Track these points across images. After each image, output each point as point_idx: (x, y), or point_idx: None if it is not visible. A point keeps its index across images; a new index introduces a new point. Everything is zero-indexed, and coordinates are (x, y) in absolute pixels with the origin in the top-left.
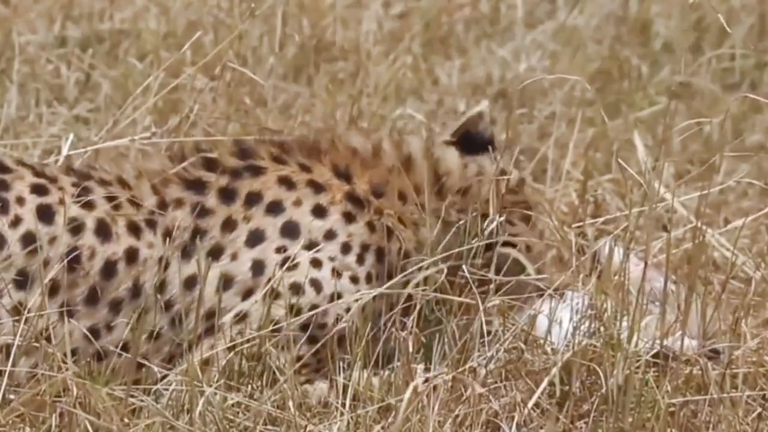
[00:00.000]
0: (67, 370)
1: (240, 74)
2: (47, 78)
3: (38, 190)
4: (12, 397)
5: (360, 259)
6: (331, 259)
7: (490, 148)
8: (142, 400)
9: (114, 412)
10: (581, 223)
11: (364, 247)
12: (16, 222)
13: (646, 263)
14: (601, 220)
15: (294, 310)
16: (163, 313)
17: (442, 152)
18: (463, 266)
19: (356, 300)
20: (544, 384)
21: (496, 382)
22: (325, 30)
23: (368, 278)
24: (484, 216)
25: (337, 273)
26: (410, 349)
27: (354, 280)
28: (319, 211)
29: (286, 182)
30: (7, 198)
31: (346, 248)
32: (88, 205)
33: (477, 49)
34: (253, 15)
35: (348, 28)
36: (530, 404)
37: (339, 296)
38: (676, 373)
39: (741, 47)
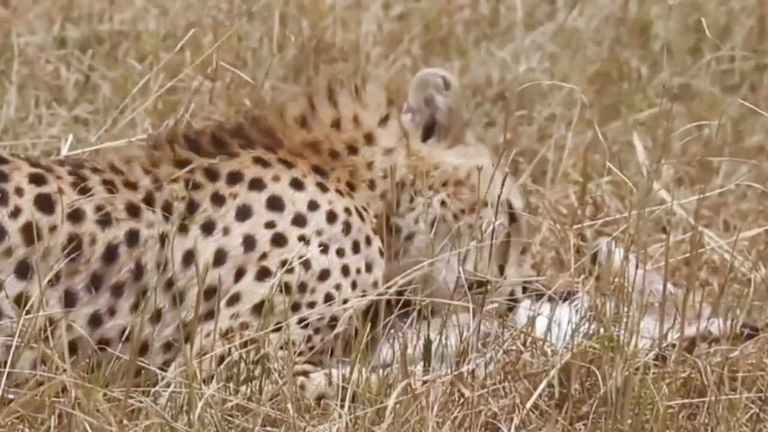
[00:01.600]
0: (65, 371)
1: (239, 75)
2: (46, 79)
3: (36, 179)
4: (11, 397)
5: (346, 228)
6: (318, 233)
7: None
8: (140, 401)
9: (112, 414)
10: (580, 225)
11: (347, 211)
12: (15, 213)
13: (645, 265)
14: (600, 221)
15: (285, 288)
16: (165, 292)
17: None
18: (460, 269)
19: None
20: (543, 385)
21: (494, 384)
22: (324, 31)
23: (355, 247)
24: None
25: (324, 247)
26: (408, 350)
27: (339, 253)
28: (297, 184)
29: (261, 162)
30: (6, 189)
31: (330, 217)
32: (87, 192)
33: (476, 51)
34: (250, 15)
35: (348, 29)
36: (529, 405)
37: (327, 273)
38: (675, 375)
39: (741, 49)
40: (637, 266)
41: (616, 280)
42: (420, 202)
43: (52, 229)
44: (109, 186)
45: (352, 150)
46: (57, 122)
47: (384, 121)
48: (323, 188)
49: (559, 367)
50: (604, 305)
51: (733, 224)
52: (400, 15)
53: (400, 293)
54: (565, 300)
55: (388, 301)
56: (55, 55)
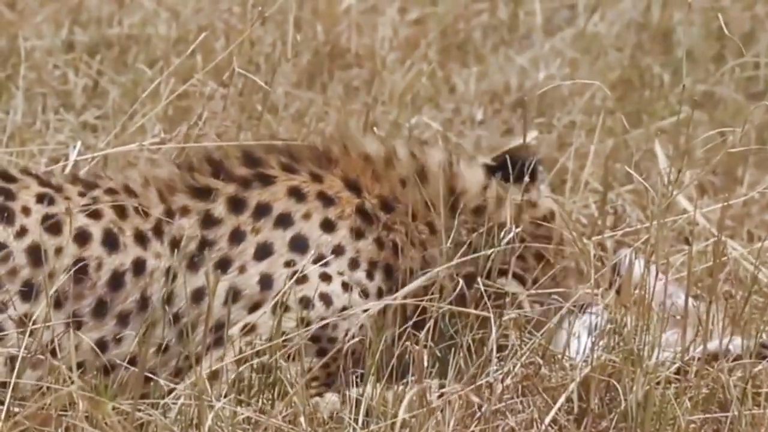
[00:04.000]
0: (73, 383)
1: (252, 81)
2: (54, 84)
3: (44, 199)
4: (17, 410)
5: (369, 275)
6: (340, 273)
7: (526, 179)
8: (149, 415)
9: (121, 427)
10: (601, 235)
11: (372, 264)
12: (21, 233)
13: (666, 277)
14: (621, 231)
15: (304, 323)
16: (171, 326)
17: (463, 169)
18: (478, 279)
19: (366, 311)
20: (562, 400)
21: (512, 398)
22: (339, 36)
23: (379, 294)
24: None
25: (347, 287)
26: (424, 364)
27: (364, 293)
28: (328, 226)
29: (296, 194)
30: (12, 208)
31: (353, 264)
32: (95, 215)
33: (495, 57)
34: (263, 20)
35: (363, 34)
36: (547, 421)
37: (347, 310)
38: (697, 390)
39: (765, 56)
40: (658, 277)
41: (637, 291)
42: None
43: (58, 251)
44: (120, 210)
45: (412, 215)
46: (65, 128)
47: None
48: (358, 234)
49: (578, 381)
50: (625, 318)
51: (758, 235)
52: (416, 20)
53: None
54: (583, 312)
55: (404, 313)
56: (63, 60)
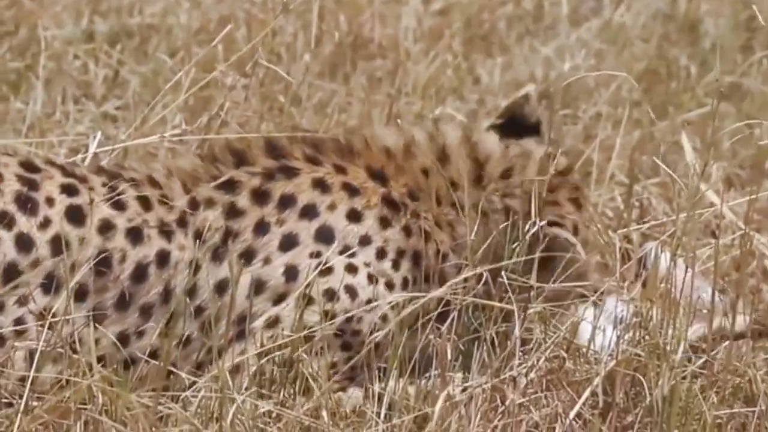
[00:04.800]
0: (92, 376)
1: (274, 71)
2: (74, 74)
3: (68, 190)
4: (35, 404)
5: (395, 265)
6: (366, 264)
7: (537, 131)
8: (170, 408)
9: (141, 420)
10: (627, 228)
11: (400, 253)
12: (45, 224)
13: (692, 271)
14: (647, 225)
15: (329, 316)
16: (194, 318)
17: (481, 136)
18: (503, 273)
19: (391, 305)
20: (587, 394)
21: (536, 392)
22: (362, 26)
23: (404, 284)
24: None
25: (372, 279)
26: (448, 357)
27: (389, 285)
28: (354, 216)
29: (321, 185)
30: (36, 198)
31: (381, 254)
32: (119, 206)
33: (519, 47)
34: (287, 10)
35: (386, 24)
36: (572, 415)
37: (371, 302)
38: (723, 384)
39: None
40: (685, 271)
41: (663, 285)
42: None
43: (82, 242)
44: (145, 201)
45: (437, 199)
46: (85, 119)
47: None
48: (385, 223)
49: (603, 375)
50: (650, 311)
51: None
52: (440, 10)
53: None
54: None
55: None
56: (83, 50)
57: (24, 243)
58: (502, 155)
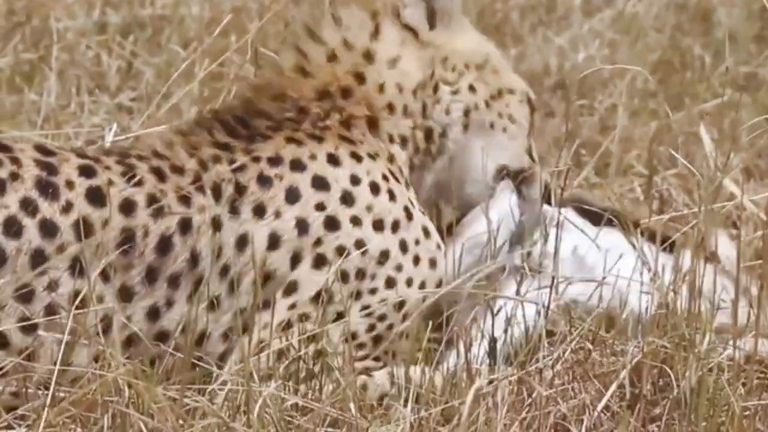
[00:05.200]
0: (119, 367)
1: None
2: (87, 65)
3: (86, 171)
4: (62, 395)
5: (391, 196)
6: (369, 209)
7: None
8: (196, 401)
9: (169, 413)
10: (647, 219)
11: (385, 178)
12: (67, 208)
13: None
14: (667, 216)
15: (340, 277)
16: (221, 279)
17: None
18: (524, 264)
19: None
20: (614, 387)
21: (563, 384)
22: None
23: (408, 214)
24: None
25: (379, 225)
26: (473, 349)
27: (395, 227)
28: (333, 160)
29: (293, 141)
30: (56, 182)
31: (374, 188)
32: (138, 182)
33: (533, 38)
34: (298, 2)
35: None
36: (600, 407)
37: (386, 254)
38: (751, 376)
39: None
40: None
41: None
42: (446, 90)
43: (105, 223)
44: (158, 173)
45: (359, 78)
46: (100, 110)
47: (375, 33)
48: (357, 158)
49: (630, 367)
50: (676, 302)
51: None
52: None
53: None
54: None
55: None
56: (96, 41)
57: (48, 229)
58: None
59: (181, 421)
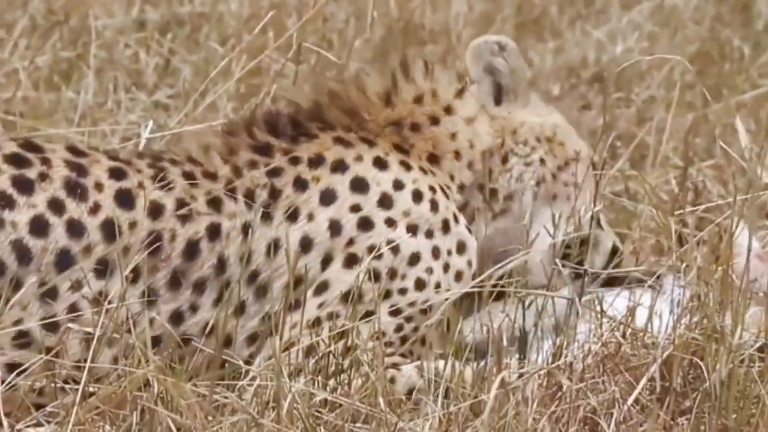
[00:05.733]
0: (148, 362)
1: (325, 58)
2: (125, 63)
3: (116, 174)
4: (92, 390)
5: (433, 206)
6: (406, 214)
7: None
8: (226, 397)
9: (197, 409)
10: (682, 211)
11: (431, 189)
12: (95, 209)
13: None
14: (702, 207)
15: (373, 276)
16: (248, 284)
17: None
18: (556, 260)
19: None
20: (645, 380)
21: (593, 377)
22: (413, 12)
23: (444, 227)
24: None
25: (414, 229)
26: (503, 342)
27: (429, 234)
28: (380, 163)
29: (341, 142)
30: (85, 184)
31: (417, 196)
32: (167, 187)
33: (571, 31)
34: None
35: (437, 9)
36: (630, 401)
37: (417, 257)
38: None
39: None
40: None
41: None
42: (515, 161)
43: (132, 225)
44: (189, 178)
45: (434, 121)
46: (136, 107)
47: (459, 93)
48: (407, 166)
49: (660, 360)
50: (707, 295)
51: None
52: None
53: (494, 284)
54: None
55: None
56: (134, 38)
57: (75, 229)
58: (449, 87)
59: (209, 418)
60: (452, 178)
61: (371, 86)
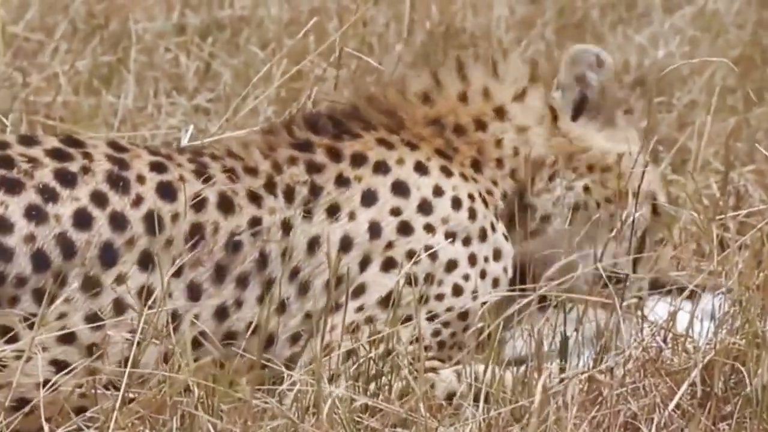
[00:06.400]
0: (189, 367)
1: (366, 62)
2: (165, 67)
3: (157, 167)
4: (132, 395)
5: (472, 214)
6: (444, 220)
7: None
8: (266, 402)
9: (237, 414)
10: (723, 216)
11: (470, 197)
12: (137, 201)
13: None
14: (743, 212)
15: (412, 281)
16: (290, 281)
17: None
18: (598, 264)
19: (475, 295)
20: (686, 385)
21: (634, 382)
22: (454, 16)
23: (482, 235)
24: None
25: (452, 236)
26: (544, 348)
27: (466, 241)
28: (421, 168)
29: (384, 143)
30: (127, 177)
31: (456, 203)
32: (209, 180)
33: (613, 35)
34: (378, 2)
35: (478, 13)
36: (671, 406)
37: (454, 263)
38: None
39: None
40: None
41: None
42: (560, 183)
43: (175, 218)
44: (230, 173)
45: (480, 125)
46: (176, 112)
47: (520, 96)
48: (447, 172)
49: (701, 364)
50: (749, 300)
51: None
52: None
53: (534, 288)
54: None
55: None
56: (175, 43)
57: (118, 222)
58: (518, 77)
59: (250, 423)
60: (495, 183)
61: (411, 86)
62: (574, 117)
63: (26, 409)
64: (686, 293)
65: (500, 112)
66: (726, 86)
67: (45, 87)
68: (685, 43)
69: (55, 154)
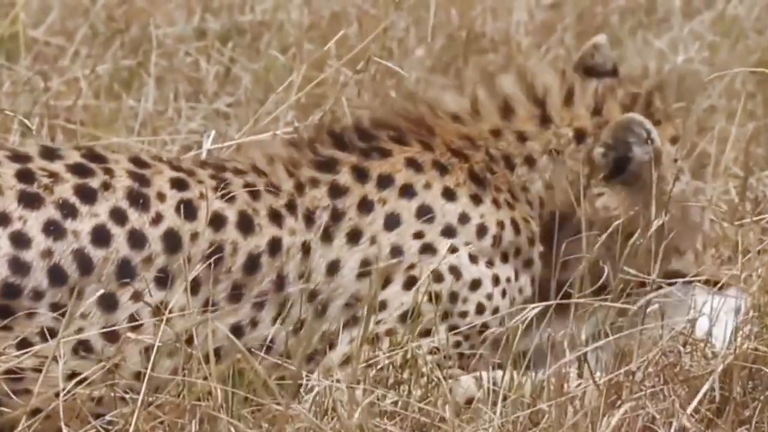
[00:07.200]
0: (209, 371)
1: (386, 67)
2: (186, 72)
3: (178, 184)
4: (151, 399)
5: (496, 241)
6: (467, 244)
7: (615, 74)
8: (290, 407)
9: (262, 418)
10: (742, 221)
11: (499, 225)
12: (157, 219)
13: None
14: (763, 218)
15: (434, 298)
16: (308, 303)
17: (534, 70)
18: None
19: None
20: (704, 389)
21: (653, 387)
22: (474, 21)
23: (504, 258)
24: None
25: (474, 259)
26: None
27: (490, 264)
28: (449, 194)
29: (414, 164)
30: (147, 194)
31: (481, 231)
32: (229, 198)
33: (633, 40)
34: (397, 5)
35: (498, 18)
36: (689, 410)
37: (478, 283)
38: None
39: None
40: None
41: None
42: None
43: (194, 236)
44: (252, 190)
45: (508, 163)
46: (197, 116)
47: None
48: (477, 200)
49: (720, 369)
50: None
51: None
52: (552, 3)
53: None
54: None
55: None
56: (195, 47)
57: (137, 239)
58: (560, 82)
59: (270, 426)
60: (532, 206)
61: (447, 105)
62: (608, 177)
63: (43, 414)
64: (713, 287)
65: (530, 161)
66: (745, 91)
67: (65, 91)
68: (704, 49)
69: (76, 169)
